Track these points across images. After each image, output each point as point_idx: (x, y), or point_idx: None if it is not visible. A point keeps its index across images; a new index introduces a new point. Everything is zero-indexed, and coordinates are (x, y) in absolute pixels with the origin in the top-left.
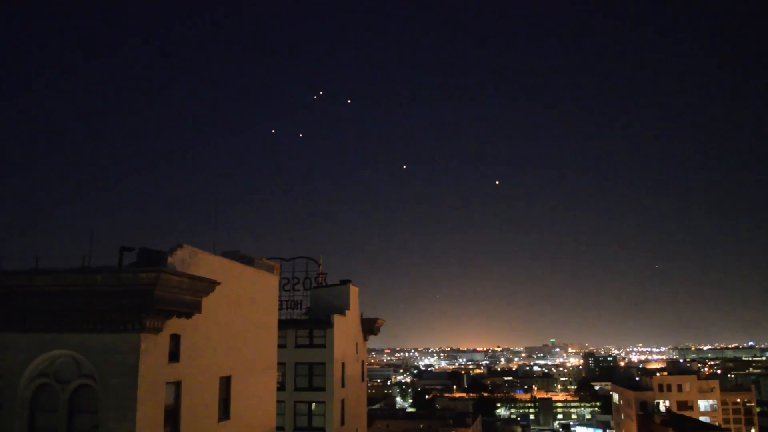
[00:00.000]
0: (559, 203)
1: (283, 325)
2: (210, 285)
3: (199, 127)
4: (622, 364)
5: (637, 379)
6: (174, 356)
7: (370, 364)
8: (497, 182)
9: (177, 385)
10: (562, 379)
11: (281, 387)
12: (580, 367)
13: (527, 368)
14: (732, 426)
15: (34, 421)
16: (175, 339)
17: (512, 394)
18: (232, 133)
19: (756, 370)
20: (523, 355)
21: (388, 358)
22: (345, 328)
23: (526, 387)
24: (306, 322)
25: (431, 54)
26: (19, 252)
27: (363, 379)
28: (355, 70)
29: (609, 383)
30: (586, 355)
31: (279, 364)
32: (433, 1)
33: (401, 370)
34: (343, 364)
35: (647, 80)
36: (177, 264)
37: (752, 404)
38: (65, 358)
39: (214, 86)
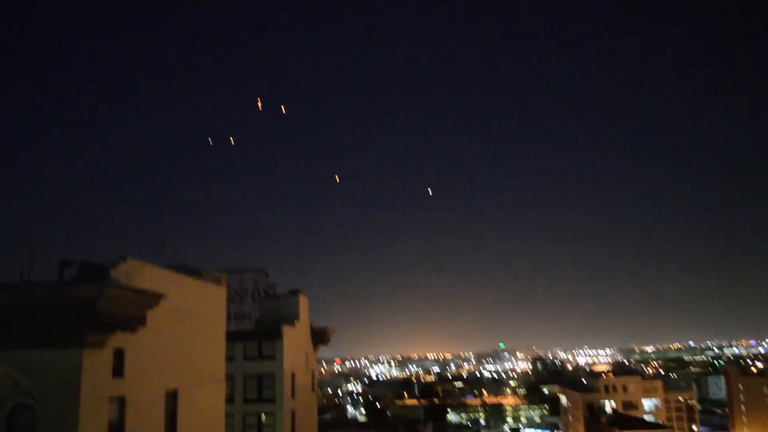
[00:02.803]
0: (499, 208)
1: (231, 337)
2: (155, 298)
3: (146, 136)
4: (569, 366)
5: (583, 381)
6: (118, 371)
7: (321, 373)
8: (429, 190)
9: (121, 400)
10: (512, 383)
11: (230, 400)
12: (529, 371)
13: (477, 374)
14: (675, 423)
15: None
16: (119, 354)
17: (463, 399)
18: (181, 143)
19: (696, 369)
20: (473, 361)
21: (339, 367)
22: (295, 339)
23: (476, 392)
24: (255, 334)
25: (362, 63)
26: None
27: (313, 389)
28: (291, 78)
29: (557, 386)
30: (535, 360)
31: (228, 376)
32: (373, 7)
33: (352, 379)
34: (293, 375)
35: (602, 77)
36: (120, 277)
37: (693, 402)
38: (2, 376)
39: (154, 95)
